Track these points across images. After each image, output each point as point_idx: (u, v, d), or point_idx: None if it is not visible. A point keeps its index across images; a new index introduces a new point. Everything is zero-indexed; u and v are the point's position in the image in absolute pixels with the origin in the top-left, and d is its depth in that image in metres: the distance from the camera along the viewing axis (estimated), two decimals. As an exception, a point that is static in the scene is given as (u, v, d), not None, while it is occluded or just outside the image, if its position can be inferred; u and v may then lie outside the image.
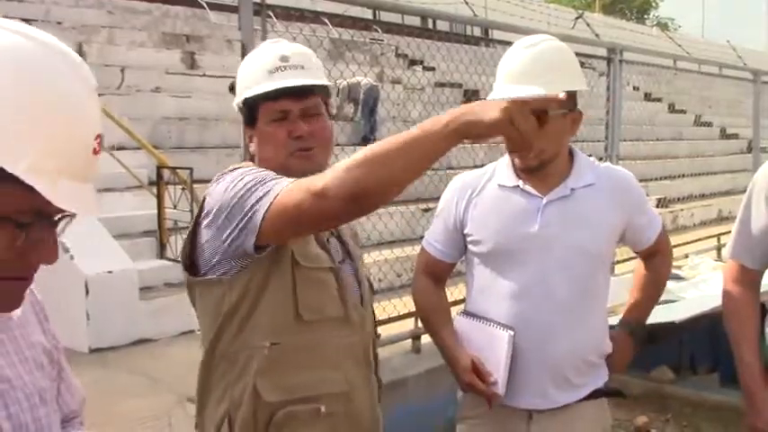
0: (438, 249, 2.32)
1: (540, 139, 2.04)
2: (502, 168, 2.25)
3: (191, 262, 1.81)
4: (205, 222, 1.73)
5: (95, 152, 1.00)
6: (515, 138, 1.45)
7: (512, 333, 2.11)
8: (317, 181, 1.50)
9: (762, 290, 2.27)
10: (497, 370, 2.12)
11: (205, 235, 1.74)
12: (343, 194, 1.46)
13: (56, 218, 1.01)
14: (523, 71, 2.10)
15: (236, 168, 1.77)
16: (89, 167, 0.99)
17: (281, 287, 1.73)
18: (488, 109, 1.42)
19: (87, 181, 0.99)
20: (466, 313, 2.27)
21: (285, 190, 1.58)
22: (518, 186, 2.19)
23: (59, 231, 1.03)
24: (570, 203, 2.17)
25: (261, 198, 1.61)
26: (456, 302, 2.44)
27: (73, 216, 1.02)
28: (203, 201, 1.78)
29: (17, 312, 1.22)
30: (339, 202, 1.47)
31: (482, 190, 2.24)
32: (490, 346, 2.15)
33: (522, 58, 2.13)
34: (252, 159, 1.90)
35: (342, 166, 1.48)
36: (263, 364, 1.72)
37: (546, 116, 2.05)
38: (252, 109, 1.83)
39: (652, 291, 2.42)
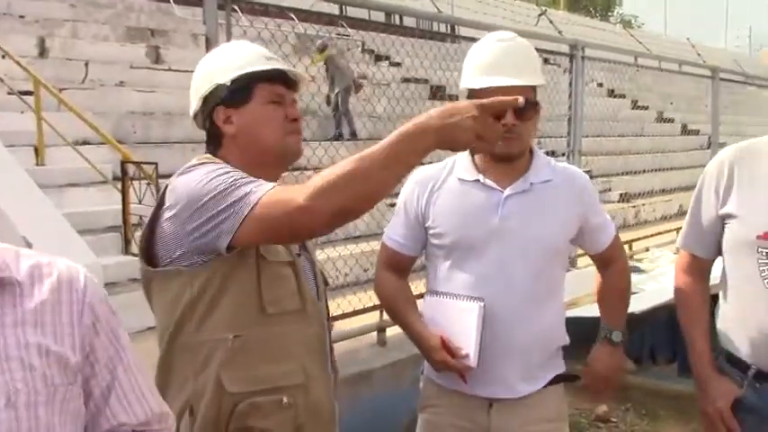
0: (400, 243, 2.34)
1: (524, 129, 2.16)
2: (461, 163, 2.29)
3: (149, 253, 1.81)
4: (168, 215, 1.73)
5: None
6: (485, 138, 1.54)
7: (482, 304, 2.13)
8: (299, 195, 1.54)
9: (711, 283, 2.33)
10: (468, 343, 2.14)
11: (167, 227, 1.74)
12: (328, 210, 1.53)
13: None
14: (502, 63, 2.17)
15: (203, 163, 1.77)
16: None
17: (247, 281, 1.75)
18: (462, 113, 1.52)
19: None
20: (433, 292, 2.28)
21: (266, 197, 1.60)
22: (478, 180, 2.24)
23: None
24: (530, 197, 2.22)
25: (239, 200, 1.63)
26: (420, 296, 2.46)
27: None
28: (164, 192, 1.79)
29: (29, 307, 1.22)
30: (323, 217, 1.54)
31: (443, 183, 2.28)
32: (460, 321, 2.16)
33: (498, 51, 2.20)
34: (217, 141, 1.88)
35: (324, 180, 1.53)
36: (226, 356, 1.74)
37: (535, 107, 2.18)
38: (245, 89, 1.83)
39: (620, 305, 2.45)
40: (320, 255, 2.84)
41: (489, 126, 1.54)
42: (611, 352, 2.38)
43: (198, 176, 1.71)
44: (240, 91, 1.83)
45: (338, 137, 10.91)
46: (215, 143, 1.88)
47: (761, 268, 2.03)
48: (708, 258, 2.29)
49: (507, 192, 2.22)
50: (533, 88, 2.19)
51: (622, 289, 2.45)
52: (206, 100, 1.86)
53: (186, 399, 1.77)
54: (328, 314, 2.01)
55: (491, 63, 2.18)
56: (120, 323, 1.37)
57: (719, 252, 2.22)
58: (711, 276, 2.34)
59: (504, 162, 2.22)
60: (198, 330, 1.76)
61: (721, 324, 2.22)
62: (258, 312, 1.75)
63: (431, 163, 2.30)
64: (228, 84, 1.83)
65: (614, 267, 2.43)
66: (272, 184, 1.65)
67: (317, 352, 1.88)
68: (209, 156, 1.85)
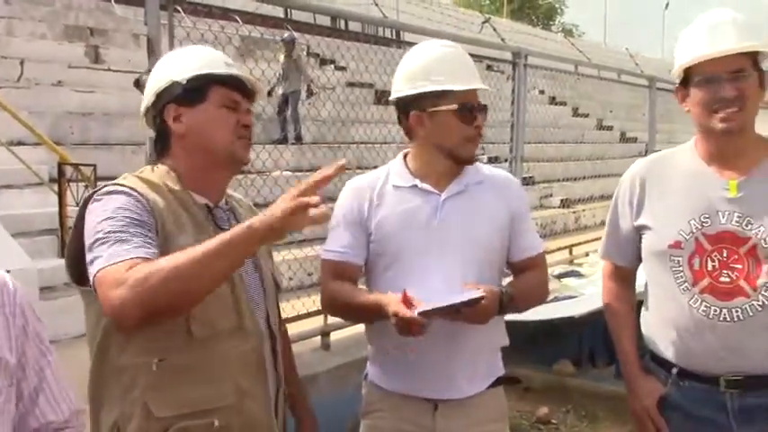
0: (343, 252, 2.27)
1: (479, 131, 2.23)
2: (396, 170, 2.31)
3: (77, 268, 1.75)
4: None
5: None
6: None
7: (481, 295, 2.02)
8: (117, 291, 1.53)
9: (638, 290, 2.40)
10: (433, 302, 1.99)
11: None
12: (137, 314, 1.53)
13: None
14: (459, 69, 2.21)
15: (115, 192, 1.73)
16: None
17: None
18: (278, 210, 1.53)
19: None
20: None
21: (101, 273, 1.58)
22: (415, 186, 2.26)
23: None
24: (466, 198, 2.26)
25: (93, 261, 1.61)
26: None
27: None
28: (85, 209, 1.74)
29: None
30: (131, 320, 1.55)
31: (381, 191, 2.28)
32: (447, 295, 2.05)
33: (450, 57, 2.24)
34: (165, 141, 1.86)
35: (140, 278, 1.52)
36: (152, 380, 1.69)
37: (486, 109, 2.25)
38: (200, 89, 1.82)
39: (528, 297, 2.30)
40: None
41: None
42: (495, 301, 2.12)
43: (98, 213, 1.68)
44: (195, 91, 1.82)
45: (283, 140, 10.84)
46: (163, 143, 1.87)
47: (675, 275, 2.13)
48: (628, 267, 2.37)
49: (444, 195, 2.25)
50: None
51: (538, 289, 2.35)
52: (159, 96, 1.85)
53: (114, 420, 1.72)
54: (280, 318, 1.96)
55: (453, 69, 2.21)
56: (44, 327, 1.39)
57: (640, 260, 2.31)
58: (638, 284, 2.41)
59: (461, 164, 2.26)
60: (121, 354, 1.72)
61: (645, 327, 2.31)
62: (184, 336, 1.70)
63: (363, 171, 2.29)
64: (184, 82, 1.82)
65: (537, 272, 2.36)
66: (125, 255, 1.59)
67: (253, 367, 1.82)
68: (135, 177, 1.80)
